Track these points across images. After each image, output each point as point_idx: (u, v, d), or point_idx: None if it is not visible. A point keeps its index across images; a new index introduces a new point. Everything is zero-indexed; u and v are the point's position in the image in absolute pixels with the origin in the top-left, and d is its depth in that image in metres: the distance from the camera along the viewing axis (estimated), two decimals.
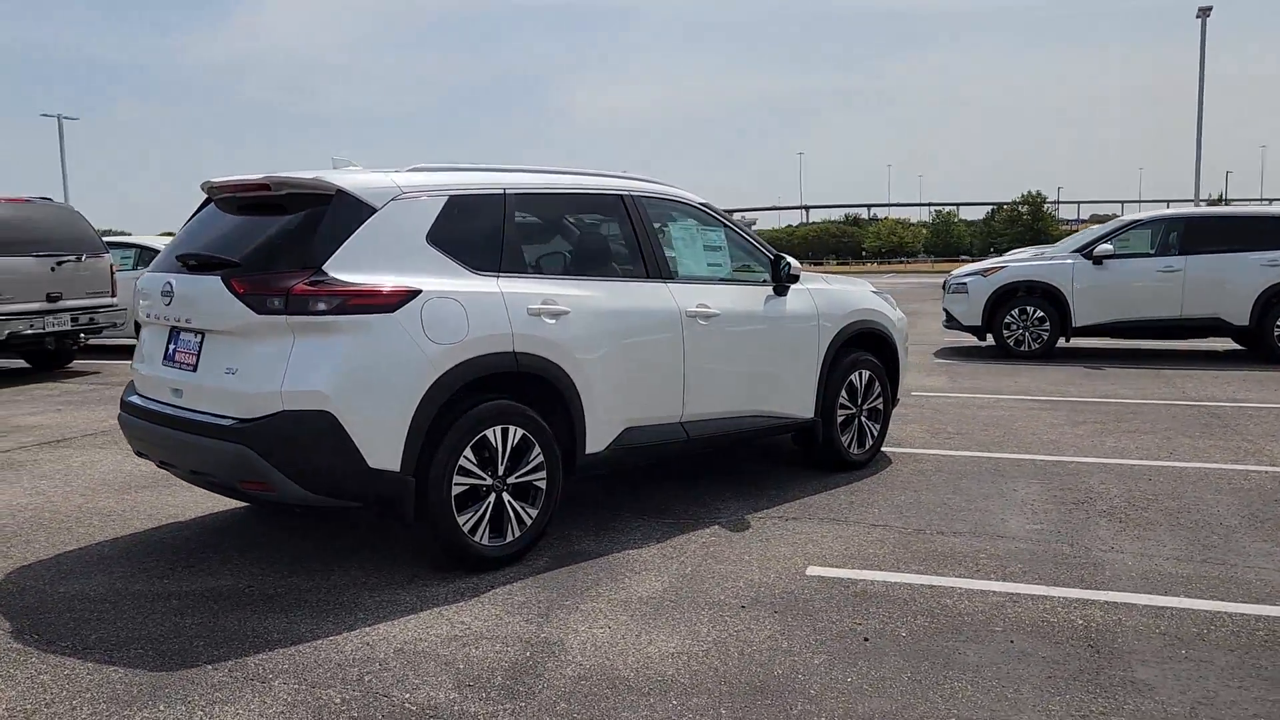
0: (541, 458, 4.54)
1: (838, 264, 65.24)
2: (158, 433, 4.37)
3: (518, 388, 4.53)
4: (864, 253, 79.18)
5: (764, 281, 5.73)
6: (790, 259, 5.68)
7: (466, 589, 4.18)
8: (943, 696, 3.20)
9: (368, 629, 3.77)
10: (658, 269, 5.18)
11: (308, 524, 5.11)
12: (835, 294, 6.16)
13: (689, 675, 3.37)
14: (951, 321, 12.82)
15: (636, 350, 4.95)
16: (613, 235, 5.23)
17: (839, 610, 3.93)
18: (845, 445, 6.17)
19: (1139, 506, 5.38)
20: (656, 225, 5.36)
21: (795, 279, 5.72)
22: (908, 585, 4.21)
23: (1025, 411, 8.32)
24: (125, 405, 4.69)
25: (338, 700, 3.18)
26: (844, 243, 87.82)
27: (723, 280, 5.58)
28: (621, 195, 5.19)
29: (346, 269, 4.08)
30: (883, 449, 6.76)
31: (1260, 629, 3.71)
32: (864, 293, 6.46)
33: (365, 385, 4.02)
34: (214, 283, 4.12)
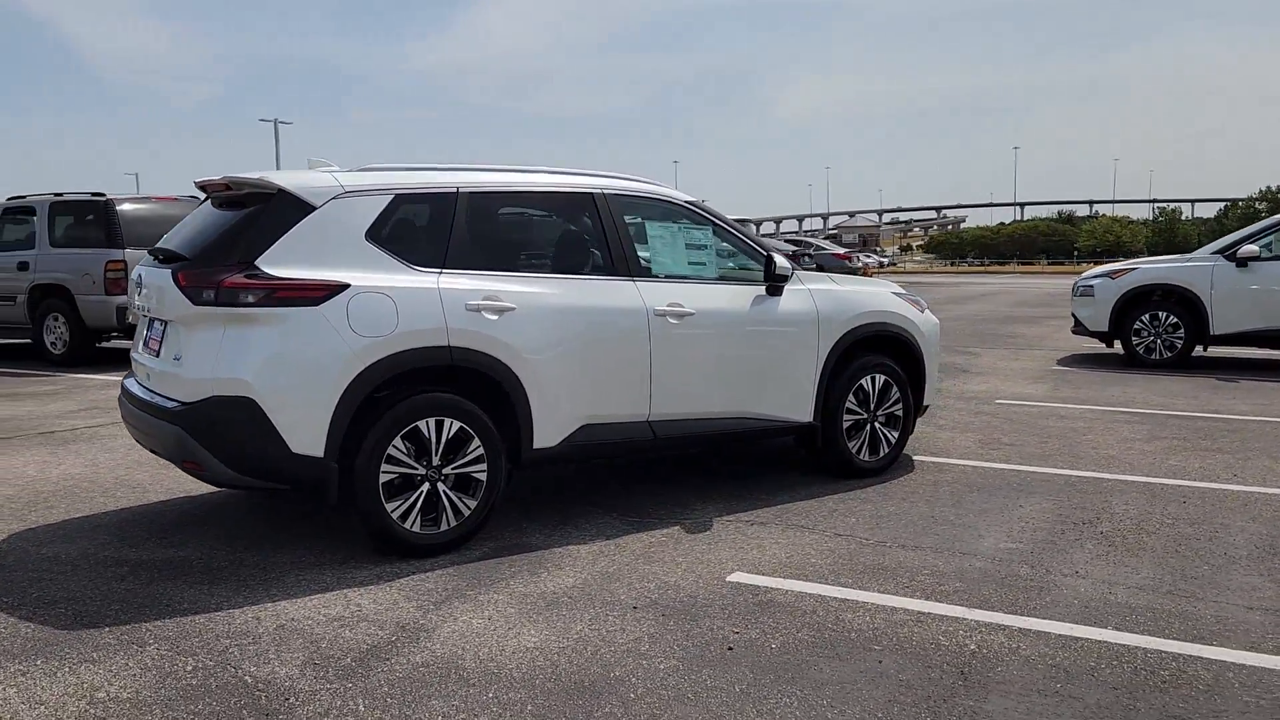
0: (481, 450, 4.65)
1: (1048, 263, 62.11)
2: (134, 414, 4.75)
3: (460, 381, 4.64)
4: (1076, 253, 75.07)
5: (758, 282, 5.61)
6: (780, 259, 5.54)
7: (387, 574, 4.34)
8: (759, 711, 3.09)
9: (270, 604, 3.98)
10: (627, 267, 5.18)
11: (299, 508, 5.40)
12: (842, 295, 5.95)
13: (526, 670, 3.39)
14: (1079, 326, 12.03)
15: (595, 348, 4.97)
16: (578, 233, 5.27)
17: (728, 618, 3.84)
18: (854, 451, 5.96)
19: (1145, 531, 4.95)
20: (634, 224, 5.36)
21: (785, 279, 5.57)
22: (820, 598, 4.06)
23: (1105, 424, 7.74)
24: (122, 389, 5.12)
25: (189, 669, 3.39)
26: (1054, 241, 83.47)
27: (705, 279, 5.50)
28: (592, 193, 5.22)
29: (279, 264, 4.31)
30: (915, 457, 6.49)
31: (1167, 670, 3.37)
32: (880, 294, 6.21)
33: (287, 374, 4.25)
34: (166, 275, 4.46)
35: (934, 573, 4.34)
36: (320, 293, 4.30)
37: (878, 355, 6.11)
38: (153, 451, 4.68)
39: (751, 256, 5.69)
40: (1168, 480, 5.95)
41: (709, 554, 4.61)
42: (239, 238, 4.40)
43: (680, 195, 5.62)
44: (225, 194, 4.78)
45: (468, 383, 4.67)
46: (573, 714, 3.07)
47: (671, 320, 5.19)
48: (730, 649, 3.56)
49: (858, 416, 5.98)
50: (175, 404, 4.33)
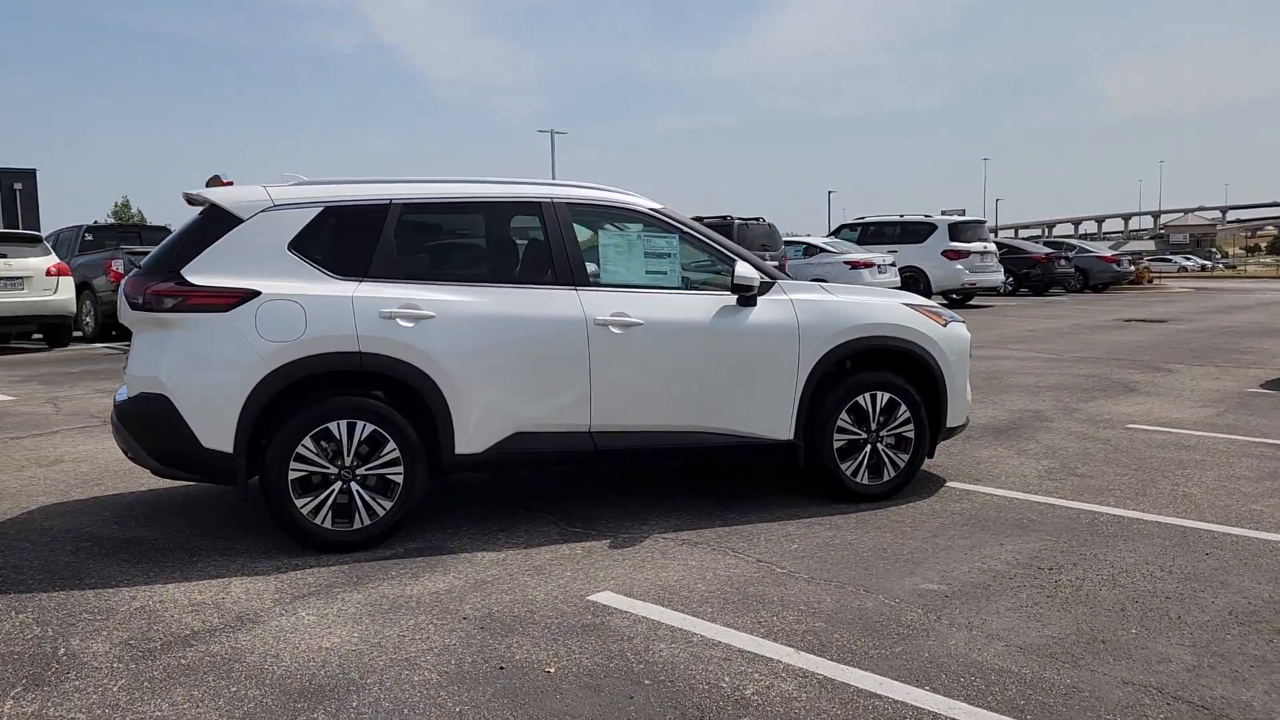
0: (397, 453, 4.79)
1: None
2: None
3: (382, 386, 4.82)
4: None
5: (725, 291, 5.38)
6: (744, 268, 5.26)
7: (286, 566, 4.57)
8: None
9: (158, 585, 4.33)
10: (570, 276, 5.13)
11: None
12: (832, 306, 5.56)
13: (290, 668, 3.48)
14: None
15: (526, 357, 4.98)
16: (519, 243, 5.27)
17: (541, 637, 3.75)
18: (848, 474, 5.55)
19: (1115, 584, 4.29)
20: (586, 232, 5.30)
21: (749, 288, 5.29)
22: (655, 624, 3.86)
23: (1227, 459, 6.68)
24: None
25: (28, 636, 3.77)
26: None
27: (662, 289, 5.34)
28: (539, 202, 5.22)
29: (202, 273, 4.67)
30: (950, 482, 5.99)
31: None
32: (885, 306, 5.73)
33: (197, 374, 4.60)
34: (125, 284, 4.95)
35: (809, 610, 4.00)
36: (230, 300, 4.62)
37: (880, 371, 5.66)
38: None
39: (729, 265, 5.46)
40: (1223, 528, 5.08)
41: (600, 571, 4.49)
42: (174, 248, 4.80)
43: (644, 203, 5.49)
44: (196, 207, 5.22)
45: (386, 387, 4.83)
46: (285, 715, 3.14)
47: (614, 330, 5.08)
48: (502, 668, 3.48)
49: (853, 436, 5.56)
50: (121, 401, 4.81)
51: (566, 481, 6.10)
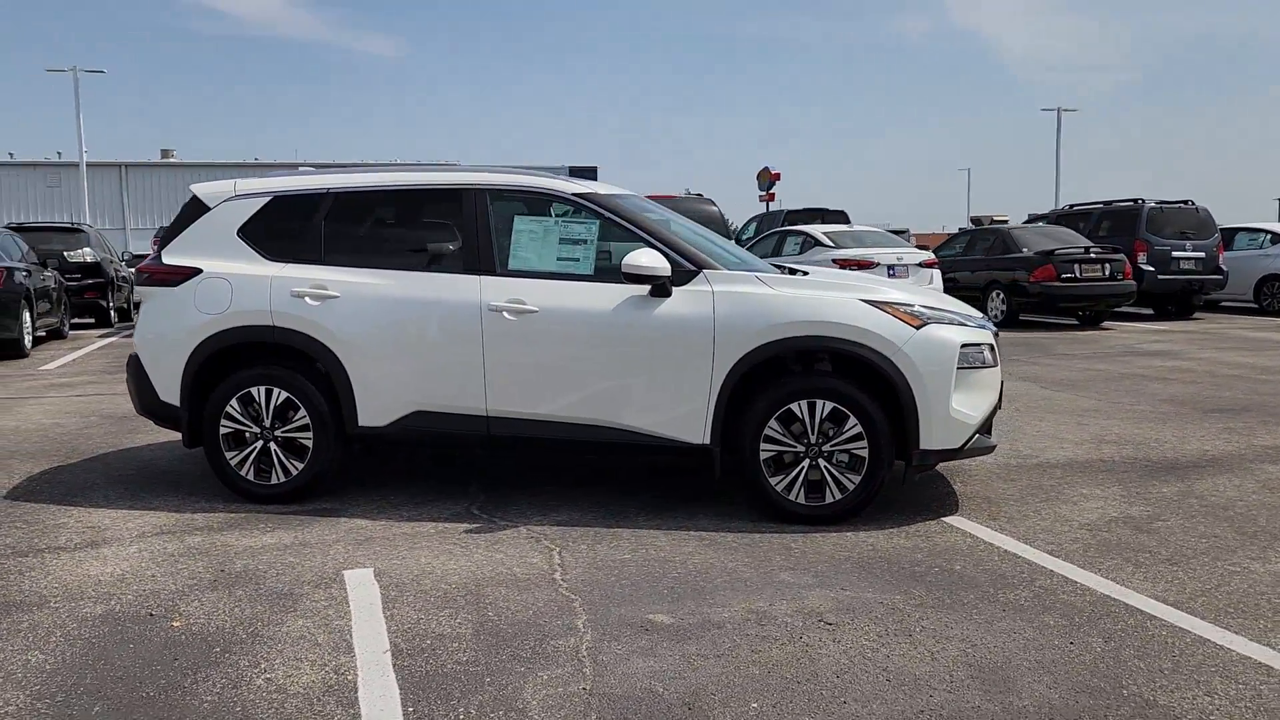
0: (307, 420, 5.28)
1: None
2: None
3: (293, 357, 5.33)
4: None
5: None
6: (638, 256, 4.88)
7: (205, 508, 5.29)
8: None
9: (79, 509, 5.28)
10: (478, 262, 5.19)
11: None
12: (761, 301, 4.92)
13: (68, 583, 4.16)
14: None
15: (420, 338, 5.17)
16: (434, 229, 5.37)
17: (238, 595, 4.03)
18: (778, 489, 4.94)
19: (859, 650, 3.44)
20: (506, 219, 5.28)
21: (644, 279, 4.90)
22: (341, 601, 3.93)
23: None
24: None
25: None
26: None
27: (574, 276, 5.14)
28: (460, 189, 5.31)
29: (174, 253, 5.52)
30: (961, 523, 5.05)
31: None
32: (830, 302, 4.91)
33: (154, 338, 5.47)
34: None
35: (445, 633, 3.79)
36: (179, 276, 5.41)
37: (824, 377, 4.93)
38: None
39: (661, 254, 5.10)
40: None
41: (403, 552, 4.57)
42: (167, 233, 5.71)
43: (569, 188, 5.31)
44: None
45: (296, 359, 5.32)
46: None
47: (508, 316, 5.06)
48: (151, 614, 3.83)
49: (786, 448, 4.92)
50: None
51: (546, 473, 6.12)
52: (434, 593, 4.05)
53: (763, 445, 4.94)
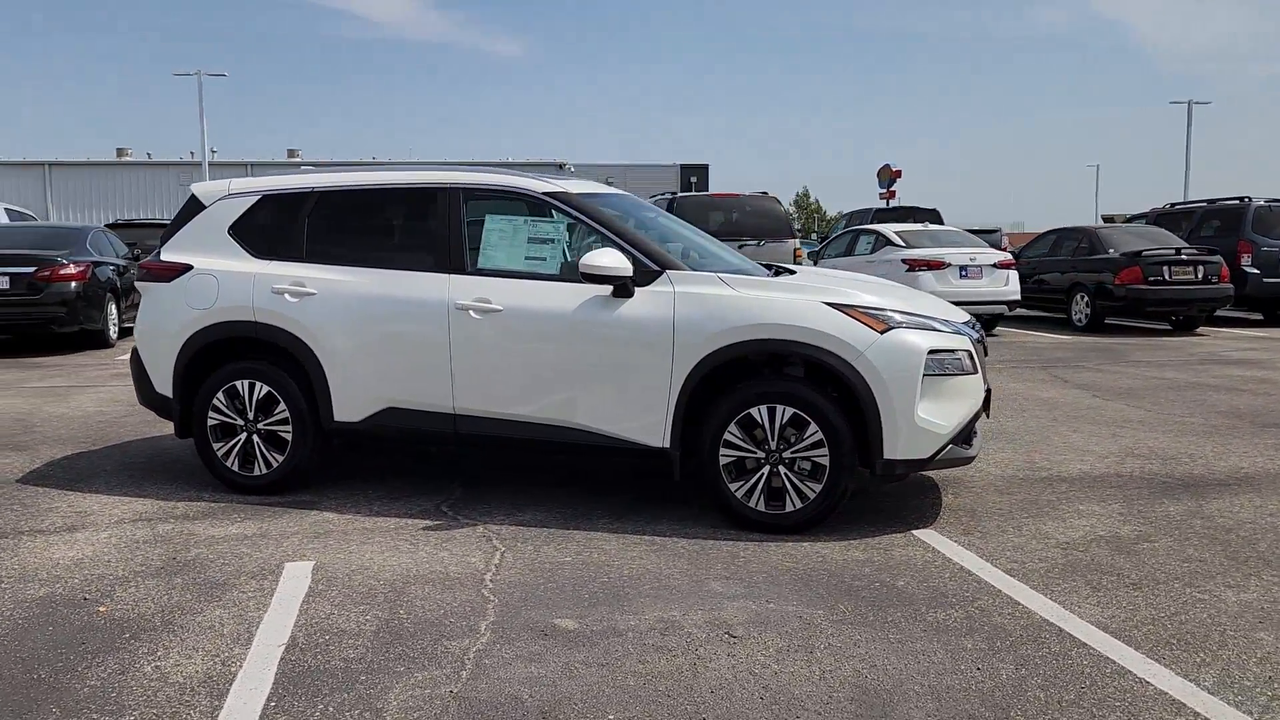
0: (287, 413, 5.41)
1: None
2: None
3: (274, 353, 5.46)
4: None
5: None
6: (596, 256, 4.82)
7: (172, 497, 5.47)
8: None
9: (54, 490, 5.52)
10: (448, 261, 5.22)
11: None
12: (722, 303, 4.81)
13: (25, 564, 4.37)
14: None
15: (392, 336, 5.23)
16: (409, 228, 5.42)
17: (175, 582, 4.16)
18: (738, 495, 4.82)
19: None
20: (479, 217, 5.30)
21: (603, 279, 4.84)
22: (259, 590, 4.02)
23: None
24: None
25: None
26: None
27: (540, 276, 5.11)
28: (436, 189, 5.35)
29: (173, 251, 5.72)
30: (929, 536, 4.87)
31: None
32: (791, 304, 4.75)
33: (151, 332, 5.68)
34: None
35: (349, 633, 3.82)
36: (172, 272, 5.60)
37: (784, 381, 4.80)
38: None
39: (624, 253, 5.04)
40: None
41: (353, 547, 4.64)
42: (168, 230, 5.91)
43: (539, 187, 5.28)
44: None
45: (277, 355, 5.44)
46: None
47: (474, 315, 5.08)
48: (101, 611, 3.96)
49: (746, 453, 4.81)
50: None
51: (523, 473, 6.11)
52: (360, 588, 4.10)
53: (722, 450, 4.83)
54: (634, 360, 4.90)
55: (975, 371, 4.94)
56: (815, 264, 16.86)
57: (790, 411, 4.74)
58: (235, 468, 5.52)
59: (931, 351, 4.73)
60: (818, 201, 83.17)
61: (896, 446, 4.70)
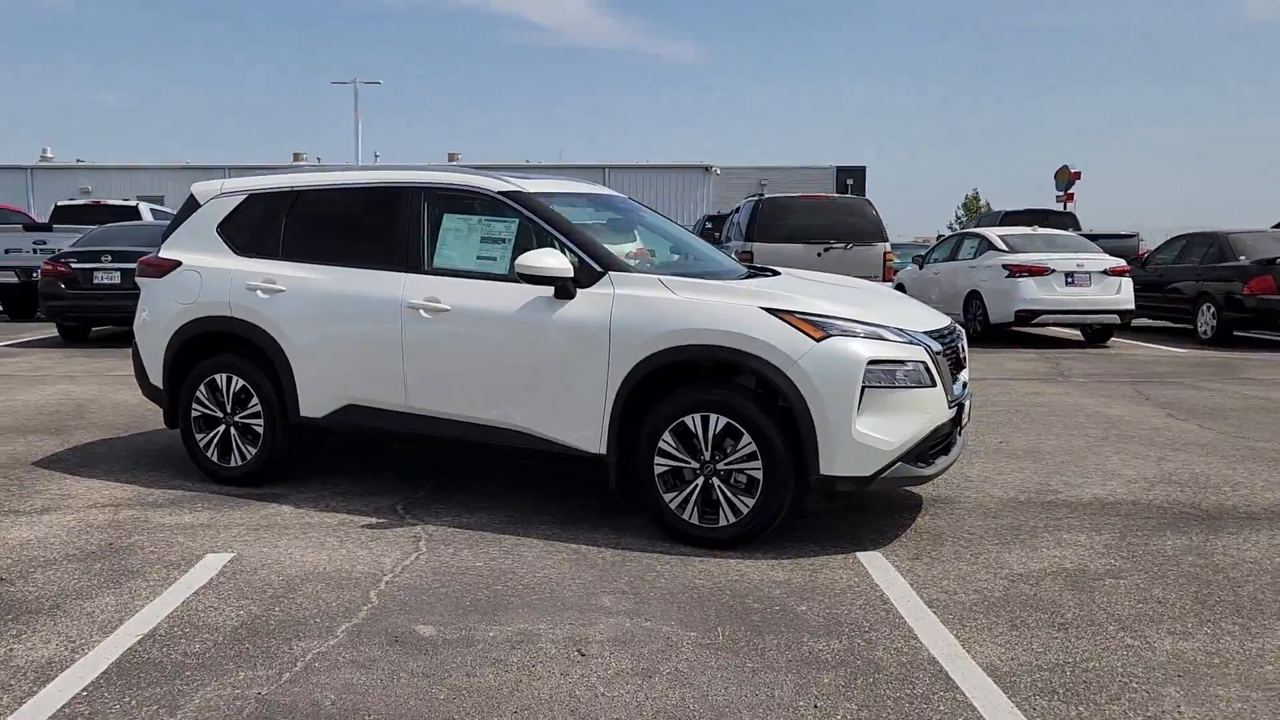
0: (259, 406, 5.54)
1: None
2: None
3: (248, 348, 5.58)
4: None
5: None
6: (532, 257, 4.71)
7: (158, 483, 5.67)
8: None
9: (63, 478, 5.80)
10: (405, 260, 5.22)
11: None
12: (658, 306, 4.61)
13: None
14: None
15: (352, 334, 5.27)
16: (375, 227, 5.40)
17: (92, 569, 4.30)
18: (672, 507, 4.63)
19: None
20: (441, 216, 5.26)
21: (539, 280, 4.72)
22: (176, 583, 4.11)
23: None
24: None
25: None
26: None
27: (491, 276, 5.04)
28: (404, 187, 5.35)
29: (171, 248, 5.95)
30: (877, 560, 4.59)
31: None
32: (724, 309, 4.50)
33: (146, 325, 5.91)
34: None
35: (206, 631, 3.82)
36: (164, 268, 5.82)
37: (717, 390, 4.57)
38: None
39: (566, 253, 4.93)
40: None
41: (285, 541, 4.69)
42: (168, 228, 6.14)
43: (494, 186, 5.19)
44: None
45: (250, 349, 5.57)
46: None
47: (424, 314, 5.07)
48: (3, 578, 4.16)
49: (680, 464, 4.61)
50: None
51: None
52: (257, 583, 4.13)
53: (657, 459, 4.64)
54: (572, 363, 4.78)
55: (933, 385, 4.58)
56: (920, 269, 16.19)
57: (724, 421, 4.51)
58: (215, 458, 5.68)
59: (874, 362, 4.41)
60: (988, 204, 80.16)
61: (834, 462, 4.40)
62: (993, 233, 14.56)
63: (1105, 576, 4.26)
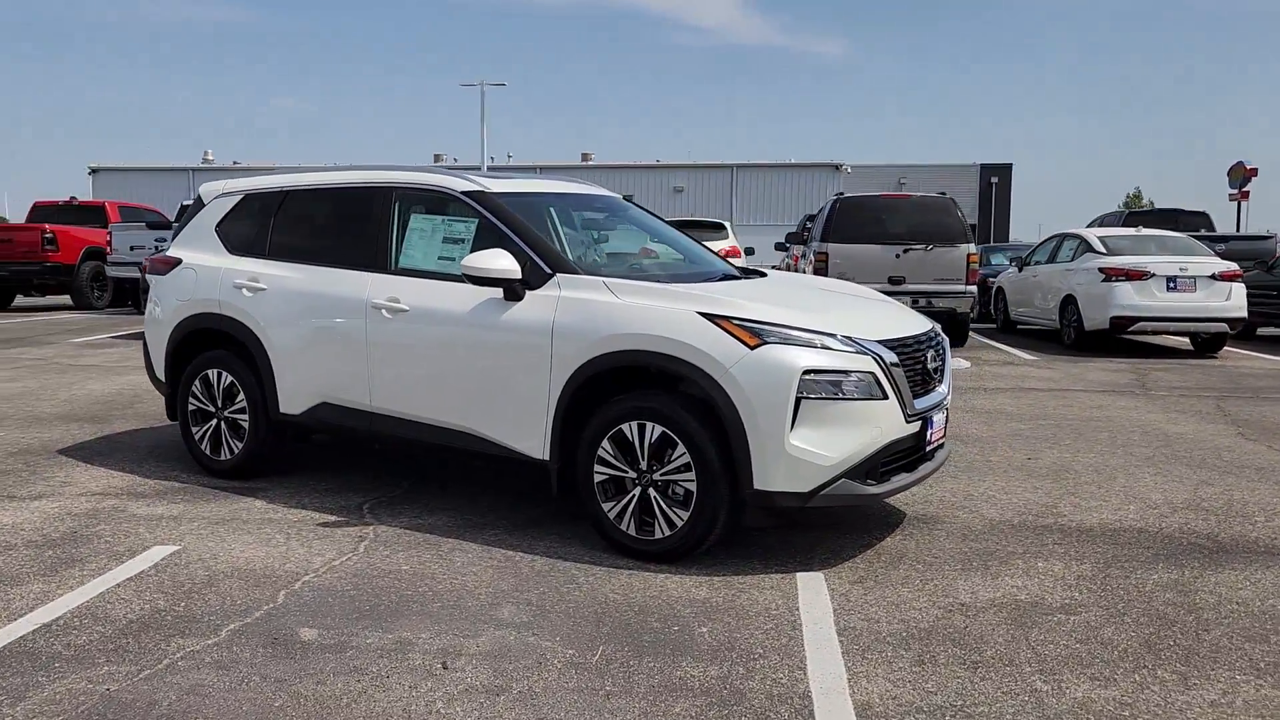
0: (245, 403, 5.66)
1: None
2: None
3: (235, 344, 5.71)
4: None
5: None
6: (476, 258, 4.63)
7: (147, 472, 5.86)
8: None
9: (61, 480, 6.04)
10: (374, 260, 5.24)
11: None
12: (598, 309, 4.47)
13: None
14: None
15: (323, 333, 5.33)
16: (351, 227, 5.41)
17: (24, 556, 4.47)
18: (610, 516, 4.49)
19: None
20: (410, 216, 5.25)
21: (485, 281, 4.64)
22: (127, 571, 4.23)
23: None
24: None
25: None
26: None
27: (449, 276, 4.98)
28: (376, 188, 5.36)
29: (178, 245, 6.15)
30: (798, 576, 4.37)
31: None
32: (658, 313, 4.32)
33: (151, 320, 6.12)
34: None
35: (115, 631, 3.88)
36: (167, 266, 6.01)
37: (653, 397, 4.40)
38: None
39: (515, 255, 4.82)
40: None
41: (237, 536, 4.77)
42: (177, 227, 6.33)
43: (459, 185, 5.12)
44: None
45: (237, 346, 5.69)
46: None
47: (385, 314, 5.07)
48: None
49: (621, 473, 4.47)
50: None
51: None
52: (182, 576, 4.20)
53: (597, 467, 4.51)
54: (517, 366, 4.69)
55: (885, 397, 4.29)
56: (1020, 271, 15.41)
57: (660, 430, 4.34)
58: (208, 451, 5.85)
59: (811, 371, 4.16)
60: (1151, 203, 76.11)
61: (768, 477, 4.17)
62: (1092, 233, 13.69)
63: (1057, 612, 3.91)
